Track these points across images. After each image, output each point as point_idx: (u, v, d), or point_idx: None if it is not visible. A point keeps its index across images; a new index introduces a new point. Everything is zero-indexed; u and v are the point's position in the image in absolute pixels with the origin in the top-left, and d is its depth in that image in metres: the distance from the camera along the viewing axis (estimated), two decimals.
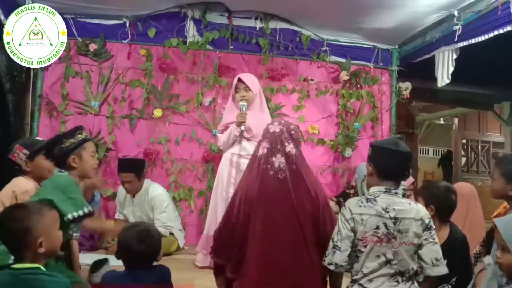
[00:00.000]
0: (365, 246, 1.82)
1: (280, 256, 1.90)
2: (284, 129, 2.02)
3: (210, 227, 3.22)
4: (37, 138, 2.61)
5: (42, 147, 2.47)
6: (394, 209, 1.83)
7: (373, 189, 1.92)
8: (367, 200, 1.87)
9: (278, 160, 1.96)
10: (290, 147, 1.97)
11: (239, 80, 3.24)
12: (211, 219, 3.23)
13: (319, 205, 1.95)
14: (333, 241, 1.87)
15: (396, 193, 1.89)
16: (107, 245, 3.49)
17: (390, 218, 1.82)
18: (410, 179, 3.52)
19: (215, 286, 2.33)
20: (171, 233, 3.59)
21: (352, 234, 1.83)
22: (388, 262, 1.82)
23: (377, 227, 1.81)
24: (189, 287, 2.54)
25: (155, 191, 3.60)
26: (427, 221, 1.87)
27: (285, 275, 1.90)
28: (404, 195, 3.20)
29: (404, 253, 1.82)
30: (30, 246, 1.55)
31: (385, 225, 1.81)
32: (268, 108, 3.67)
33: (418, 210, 1.88)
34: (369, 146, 2.03)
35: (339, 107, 4.36)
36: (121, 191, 3.71)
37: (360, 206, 1.85)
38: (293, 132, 2.02)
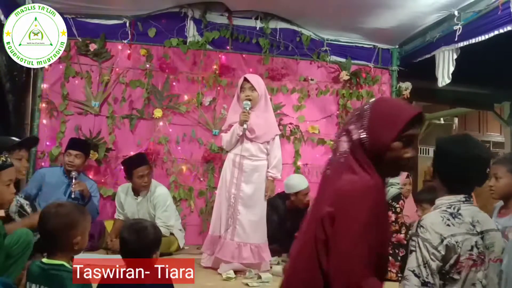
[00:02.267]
0: (459, 273, 1.46)
1: None
2: (351, 115, 1.41)
3: (215, 227, 3.22)
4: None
5: None
6: (478, 221, 1.53)
7: (450, 199, 1.57)
8: (452, 215, 1.51)
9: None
10: (341, 140, 1.36)
11: (245, 79, 3.24)
12: (216, 219, 3.23)
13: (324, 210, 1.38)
14: (417, 276, 1.46)
15: (472, 200, 1.58)
16: (107, 245, 3.49)
17: (478, 233, 1.51)
18: (403, 174, 3.34)
19: (215, 286, 2.33)
20: (171, 233, 3.60)
21: (442, 264, 1.46)
22: None
23: (471, 248, 1.48)
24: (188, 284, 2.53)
25: (160, 190, 3.64)
26: None
27: None
28: (400, 194, 3.19)
29: (492, 274, 1.53)
30: (67, 242, 1.65)
31: (476, 244, 1.49)
32: None
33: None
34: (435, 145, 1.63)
35: (339, 107, 4.36)
36: (120, 191, 3.71)
37: (449, 225, 1.49)
38: (351, 119, 1.36)
